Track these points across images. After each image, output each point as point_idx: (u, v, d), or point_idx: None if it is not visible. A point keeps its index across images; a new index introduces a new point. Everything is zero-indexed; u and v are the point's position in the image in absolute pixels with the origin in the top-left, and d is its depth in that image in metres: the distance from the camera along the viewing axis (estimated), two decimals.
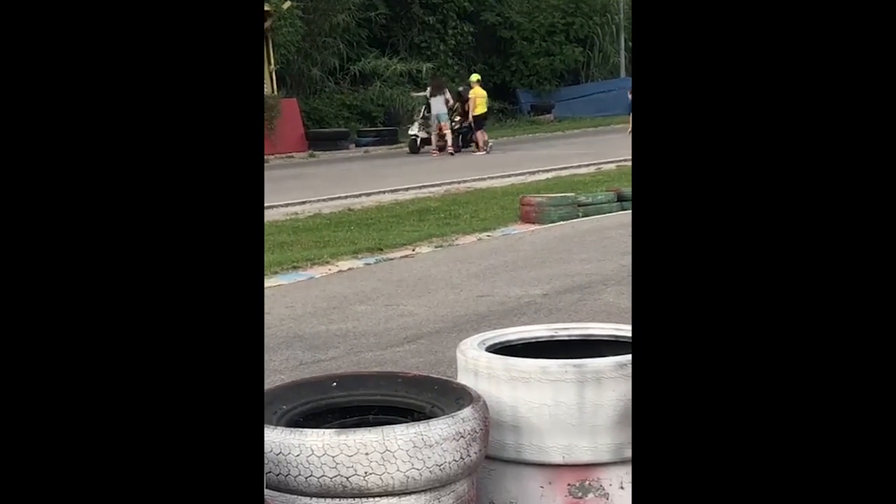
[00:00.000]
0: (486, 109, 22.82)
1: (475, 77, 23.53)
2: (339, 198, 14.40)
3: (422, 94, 24.22)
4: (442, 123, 22.53)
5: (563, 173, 16.52)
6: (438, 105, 22.54)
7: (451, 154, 21.95)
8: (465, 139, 23.02)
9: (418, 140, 23.12)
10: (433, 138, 22.93)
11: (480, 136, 22.34)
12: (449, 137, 22.39)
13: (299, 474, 2.40)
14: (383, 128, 27.94)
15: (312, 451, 2.39)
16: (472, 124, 22.49)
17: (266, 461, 2.39)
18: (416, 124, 23.30)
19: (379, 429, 2.42)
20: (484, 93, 22.96)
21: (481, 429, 2.55)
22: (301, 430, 2.47)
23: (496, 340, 3.19)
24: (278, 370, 5.30)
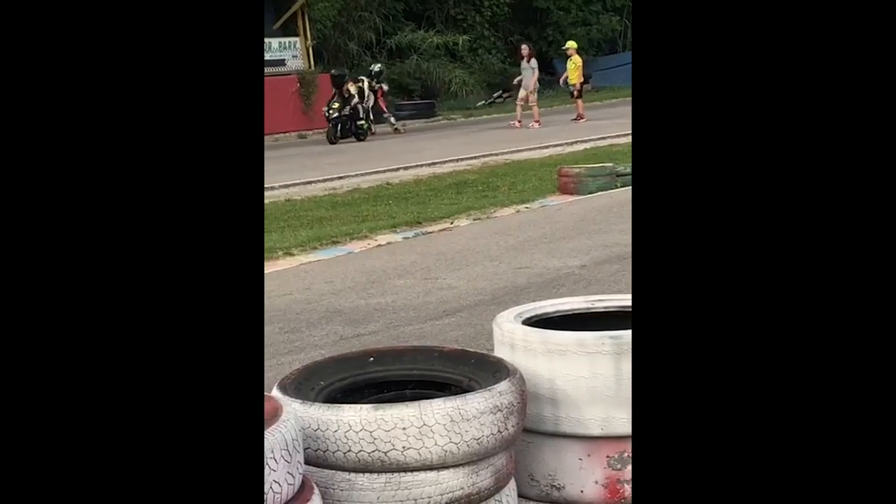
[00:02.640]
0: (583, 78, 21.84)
1: (574, 44, 22.05)
2: (376, 172, 14.42)
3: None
4: (531, 94, 21.09)
5: (601, 143, 16.42)
6: (529, 75, 21.11)
7: (535, 127, 20.52)
8: (344, 128, 21.00)
9: (338, 126, 20.88)
10: (520, 109, 21.26)
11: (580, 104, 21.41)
12: (536, 110, 21.03)
13: (338, 449, 2.42)
14: (420, 101, 27.90)
15: (350, 426, 2.40)
16: (574, 93, 21.34)
17: (305, 437, 2.41)
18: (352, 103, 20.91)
19: (416, 403, 2.42)
20: (580, 60, 21.79)
21: (518, 402, 2.55)
22: (338, 405, 2.48)
23: (533, 313, 3.18)
24: (318, 345, 5.34)
